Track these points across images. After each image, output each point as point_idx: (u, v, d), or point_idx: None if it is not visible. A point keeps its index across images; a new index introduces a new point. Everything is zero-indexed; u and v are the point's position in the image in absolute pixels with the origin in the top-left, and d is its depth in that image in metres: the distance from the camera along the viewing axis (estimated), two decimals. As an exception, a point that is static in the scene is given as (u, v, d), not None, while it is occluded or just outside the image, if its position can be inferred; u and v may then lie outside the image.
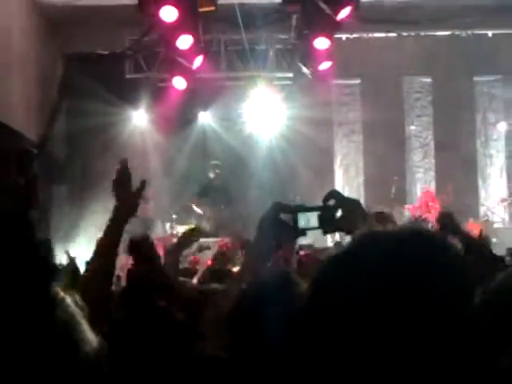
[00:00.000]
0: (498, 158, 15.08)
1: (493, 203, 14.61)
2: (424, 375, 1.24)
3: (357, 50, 13.79)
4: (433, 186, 14.87)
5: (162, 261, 4.91)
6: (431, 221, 12.58)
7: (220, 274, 5.20)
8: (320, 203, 2.64)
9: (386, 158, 13.73)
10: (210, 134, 14.19)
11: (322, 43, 11.51)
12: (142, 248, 4.62)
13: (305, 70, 12.75)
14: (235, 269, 6.00)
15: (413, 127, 15.13)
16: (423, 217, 12.50)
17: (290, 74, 13.65)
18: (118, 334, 3.13)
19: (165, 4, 10.12)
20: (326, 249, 9.67)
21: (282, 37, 13.42)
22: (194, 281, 5.32)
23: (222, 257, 7.01)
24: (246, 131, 14.10)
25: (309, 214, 2.62)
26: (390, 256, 1.31)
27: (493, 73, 14.71)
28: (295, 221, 2.58)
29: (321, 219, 2.59)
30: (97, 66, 13.01)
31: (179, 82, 12.45)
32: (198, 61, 11.82)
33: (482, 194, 14.96)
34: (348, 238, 2.73)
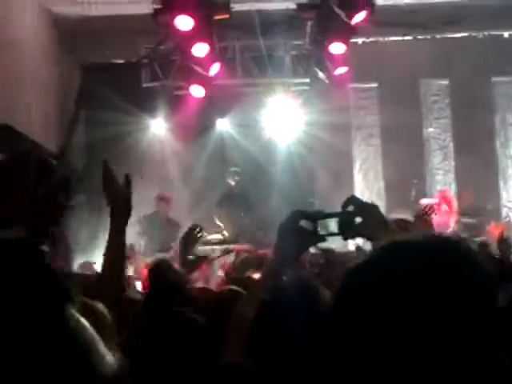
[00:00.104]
0: (518, 159, 15.02)
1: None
2: None
3: (373, 54, 13.77)
4: (453, 188, 14.82)
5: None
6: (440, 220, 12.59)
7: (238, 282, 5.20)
8: (339, 208, 2.64)
9: (405, 161, 13.69)
10: (228, 141, 14.21)
11: (337, 48, 11.52)
12: (157, 277, 4.62)
13: (321, 75, 12.76)
14: (256, 275, 5.99)
15: (431, 129, 15.09)
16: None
17: (307, 80, 13.66)
18: (142, 339, 3.14)
19: (180, 13, 10.18)
20: (348, 253, 9.66)
21: (298, 42, 13.42)
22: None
23: (241, 263, 6.99)
24: (264, 137, 14.11)
25: (328, 220, 2.62)
26: (415, 265, 1.30)
27: (510, 73, 14.64)
28: (315, 227, 2.58)
29: (340, 225, 2.59)
30: (114, 75, 13.08)
31: (197, 90, 12.50)
32: (215, 68, 11.87)
33: (504, 195, 14.88)
34: (368, 244, 2.73)
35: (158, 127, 14.05)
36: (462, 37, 14.17)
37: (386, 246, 1.38)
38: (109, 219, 3.34)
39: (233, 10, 10.74)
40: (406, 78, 14.17)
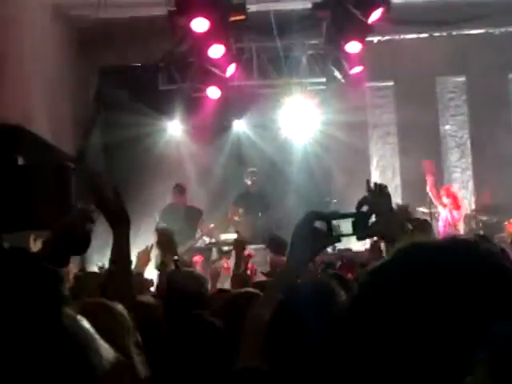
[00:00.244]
0: (536, 155, 14.92)
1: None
2: None
3: (389, 52, 13.74)
4: (470, 186, 14.77)
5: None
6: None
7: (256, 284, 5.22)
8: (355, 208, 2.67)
9: (422, 159, 13.63)
10: (245, 142, 14.21)
11: (353, 47, 11.52)
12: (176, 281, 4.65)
13: (337, 74, 12.75)
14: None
15: (448, 127, 15.03)
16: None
17: (323, 80, 13.65)
18: (163, 343, 3.17)
19: (196, 16, 10.20)
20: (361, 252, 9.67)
21: (314, 42, 13.41)
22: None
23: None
24: (280, 137, 14.11)
25: (343, 220, 2.64)
26: (434, 267, 1.30)
27: (527, 69, 14.58)
28: (329, 228, 2.60)
29: (355, 225, 2.61)
30: (130, 78, 13.14)
31: (213, 92, 12.53)
32: (231, 69, 11.89)
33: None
34: (383, 244, 2.75)
35: (174, 129, 14.07)
36: (478, 33, 14.11)
37: (405, 247, 1.38)
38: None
39: (249, 10, 10.75)
40: (422, 75, 14.12)
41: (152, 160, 13.28)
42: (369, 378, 1.31)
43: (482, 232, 12.61)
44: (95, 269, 10.08)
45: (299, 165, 13.85)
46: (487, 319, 1.23)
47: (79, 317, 1.60)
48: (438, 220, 12.81)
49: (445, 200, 12.78)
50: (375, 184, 2.84)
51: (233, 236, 12.54)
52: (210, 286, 6.67)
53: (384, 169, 15.00)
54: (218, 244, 12.35)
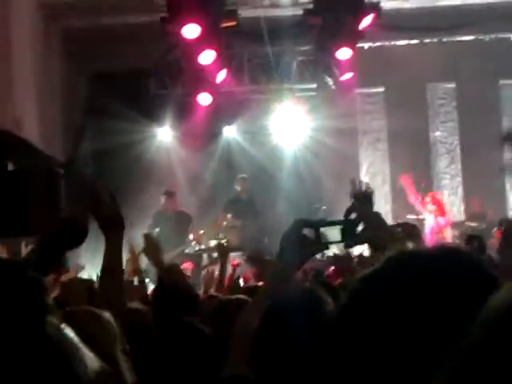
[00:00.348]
0: (526, 162, 14.97)
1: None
2: None
3: (379, 59, 13.77)
4: (460, 192, 14.81)
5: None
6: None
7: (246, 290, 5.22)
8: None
9: (412, 165, 13.67)
10: (235, 148, 14.21)
11: (344, 53, 11.55)
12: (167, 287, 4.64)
13: (328, 80, 12.78)
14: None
15: (438, 133, 15.08)
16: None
17: (314, 86, 13.68)
18: (152, 349, 3.17)
19: (187, 22, 10.21)
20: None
21: (305, 48, 13.44)
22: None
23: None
24: (271, 143, 14.13)
25: (331, 228, 2.64)
26: (423, 276, 1.30)
27: (518, 76, 14.63)
28: (317, 235, 2.61)
29: (343, 233, 2.62)
30: (121, 84, 13.12)
31: (204, 98, 12.55)
32: (222, 75, 11.90)
33: (511, 198, 14.86)
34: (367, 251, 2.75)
35: (165, 135, 14.06)
36: (468, 40, 14.16)
37: (394, 256, 1.37)
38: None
39: (240, 17, 10.78)
40: (412, 82, 14.16)
41: (142, 166, 13.27)
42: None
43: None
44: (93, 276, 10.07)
45: (289, 171, 13.87)
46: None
47: (63, 325, 1.59)
48: (424, 227, 12.84)
49: (430, 207, 12.79)
50: (360, 187, 2.83)
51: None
52: (202, 291, 6.67)
53: (374, 175, 15.02)
54: (208, 250, 12.34)
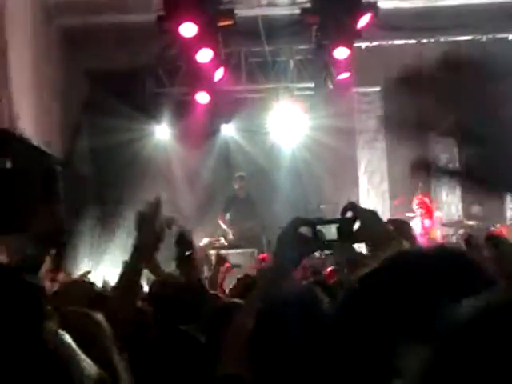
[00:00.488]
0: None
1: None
2: None
3: (377, 58, 13.76)
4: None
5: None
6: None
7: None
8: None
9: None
10: (233, 146, 14.21)
11: (341, 53, 11.55)
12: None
13: (325, 79, 12.78)
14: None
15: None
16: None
17: (311, 85, 13.68)
18: (149, 355, 3.18)
19: (184, 21, 10.20)
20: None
21: (303, 47, 13.44)
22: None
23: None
24: (268, 142, 14.12)
25: (328, 226, 2.65)
26: (422, 277, 1.30)
27: (514, 76, 14.63)
28: (314, 234, 2.61)
29: (340, 231, 2.62)
30: (119, 82, 13.11)
31: (202, 97, 12.55)
32: (219, 74, 11.90)
33: (509, 196, 14.85)
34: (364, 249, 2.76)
35: (162, 133, 14.04)
36: (466, 40, 14.15)
37: (392, 256, 1.38)
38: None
39: (237, 15, 10.78)
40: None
41: (140, 163, 13.25)
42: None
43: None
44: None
45: (287, 169, 13.87)
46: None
47: (61, 331, 1.59)
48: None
49: (416, 210, 12.80)
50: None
51: (221, 241, 12.60)
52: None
53: (371, 174, 15.03)
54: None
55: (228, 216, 13.08)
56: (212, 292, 5.38)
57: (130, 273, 3.37)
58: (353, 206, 2.66)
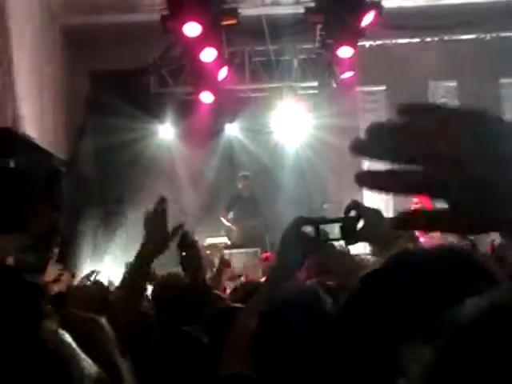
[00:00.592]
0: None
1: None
2: None
3: (381, 57, 13.76)
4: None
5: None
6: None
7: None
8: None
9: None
10: (237, 146, 14.20)
11: (345, 52, 11.54)
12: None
13: (329, 78, 12.77)
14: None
15: (440, 132, 15.06)
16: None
17: (315, 84, 13.67)
18: (153, 356, 3.17)
19: (188, 20, 10.20)
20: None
21: (306, 47, 13.44)
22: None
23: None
24: (272, 142, 14.11)
25: (331, 225, 2.64)
26: (426, 276, 1.30)
27: (519, 75, 14.63)
28: (318, 233, 2.60)
29: (343, 230, 2.61)
30: (122, 82, 13.12)
31: (206, 96, 12.55)
32: (223, 73, 11.90)
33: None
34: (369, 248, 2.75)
35: (166, 133, 14.05)
36: (469, 39, 14.15)
37: (396, 255, 1.38)
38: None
39: (241, 15, 10.77)
40: (414, 80, 14.14)
41: (143, 163, 13.25)
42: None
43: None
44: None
45: (291, 169, 13.86)
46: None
47: (60, 330, 1.58)
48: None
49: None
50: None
51: (225, 240, 12.61)
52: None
53: (375, 173, 14.99)
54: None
55: (231, 215, 13.07)
56: (216, 292, 5.38)
57: (135, 274, 3.36)
58: (356, 205, 2.66)
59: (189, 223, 13.01)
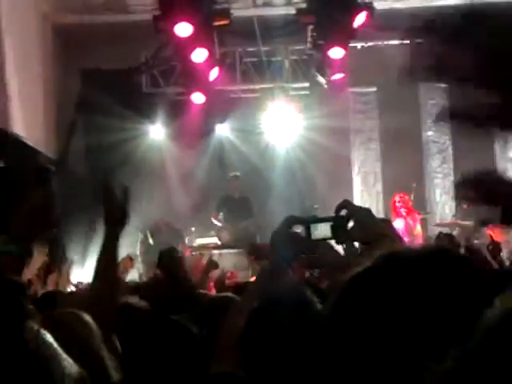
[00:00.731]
0: (517, 161, 15.01)
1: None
2: None
3: (372, 58, 13.76)
4: (452, 191, 14.82)
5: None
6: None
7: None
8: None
9: (404, 165, 13.69)
10: (228, 146, 14.21)
11: (336, 53, 11.55)
12: (168, 263, 4.60)
13: (320, 79, 12.78)
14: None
15: (430, 133, 15.09)
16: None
17: (306, 85, 13.68)
18: (141, 345, 3.16)
19: (180, 21, 10.19)
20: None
21: (298, 47, 13.45)
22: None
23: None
24: (263, 142, 14.12)
25: (321, 224, 2.64)
26: (413, 277, 1.30)
27: (509, 76, 14.65)
28: (308, 232, 2.60)
29: (333, 229, 2.61)
30: (113, 81, 13.10)
31: (198, 97, 12.53)
32: (214, 73, 11.89)
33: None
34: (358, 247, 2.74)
35: (157, 133, 14.04)
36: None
37: (383, 256, 1.38)
38: (103, 227, 3.35)
39: (232, 15, 10.77)
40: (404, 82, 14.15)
41: (134, 164, 13.23)
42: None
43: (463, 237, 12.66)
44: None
45: (281, 169, 13.87)
46: (464, 327, 1.24)
47: (42, 330, 1.58)
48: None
49: (403, 211, 12.73)
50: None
51: (215, 241, 12.60)
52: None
53: (366, 175, 15.04)
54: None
55: (221, 215, 13.08)
56: (201, 291, 5.39)
57: (103, 257, 3.33)
58: (347, 204, 2.65)
59: (179, 223, 13.09)
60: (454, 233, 12.73)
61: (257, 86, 13.81)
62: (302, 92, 13.99)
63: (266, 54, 13.42)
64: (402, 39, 14.08)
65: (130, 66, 13.23)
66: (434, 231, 13.34)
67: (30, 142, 10.81)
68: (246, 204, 13.17)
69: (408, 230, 12.52)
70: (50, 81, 12.72)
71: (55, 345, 1.59)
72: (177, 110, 13.35)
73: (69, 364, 1.59)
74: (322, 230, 2.63)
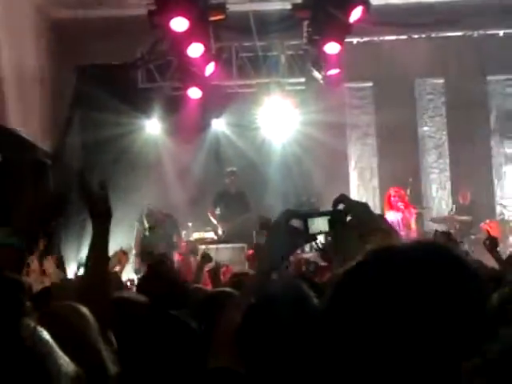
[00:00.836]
0: (512, 157, 15.06)
1: (509, 202, 14.58)
2: None
3: (368, 54, 13.77)
4: (448, 186, 14.85)
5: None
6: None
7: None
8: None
9: (401, 160, 13.70)
10: (224, 141, 14.20)
11: (332, 48, 11.51)
12: (160, 273, 4.61)
13: (316, 74, 12.76)
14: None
15: (426, 128, 15.11)
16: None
17: (302, 80, 13.67)
18: (139, 340, 3.16)
19: (175, 15, 10.15)
20: None
21: (294, 43, 13.43)
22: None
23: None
24: (259, 137, 14.11)
25: (319, 218, 2.64)
26: (406, 271, 1.31)
27: (505, 72, 14.67)
28: (306, 226, 2.60)
29: (331, 223, 2.61)
30: (109, 76, 13.08)
31: (194, 92, 12.52)
32: (210, 68, 11.87)
33: (498, 192, 14.91)
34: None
35: (153, 128, 14.02)
36: (457, 36, 14.17)
37: (376, 250, 1.39)
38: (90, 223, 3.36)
39: (228, 10, 10.74)
40: (401, 77, 14.17)
41: (130, 158, 13.23)
42: (340, 378, 1.31)
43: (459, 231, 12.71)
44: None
45: (278, 164, 13.87)
46: (457, 321, 1.25)
47: (39, 328, 1.58)
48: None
49: (401, 205, 12.71)
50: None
51: (211, 235, 12.61)
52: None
53: (362, 170, 15.05)
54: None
55: (218, 210, 13.08)
56: (197, 286, 5.40)
57: (95, 257, 3.33)
58: (344, 199, 2.65)
59: (176, 217, 13.08)
60: (451, 230, 12.74)
61: (253, 81, 13.79)
62: (299, 87, 13.97)
63: (262, 49, 13.39)
64: (398, 34, 14.14)
65: (126, 61, 13.20)
66: (430, 226, 13.39)
67: (26, 137, 10.80)
68: (242, 199, 13.18)
69: (405, 223, 12.52)
70: (46, 75, 12.69)
71: (52, 342, 1.59)
72: (173, 105, 13.34)
73: (65, 362, 1.59)
74: (320, 224, 2.63)
